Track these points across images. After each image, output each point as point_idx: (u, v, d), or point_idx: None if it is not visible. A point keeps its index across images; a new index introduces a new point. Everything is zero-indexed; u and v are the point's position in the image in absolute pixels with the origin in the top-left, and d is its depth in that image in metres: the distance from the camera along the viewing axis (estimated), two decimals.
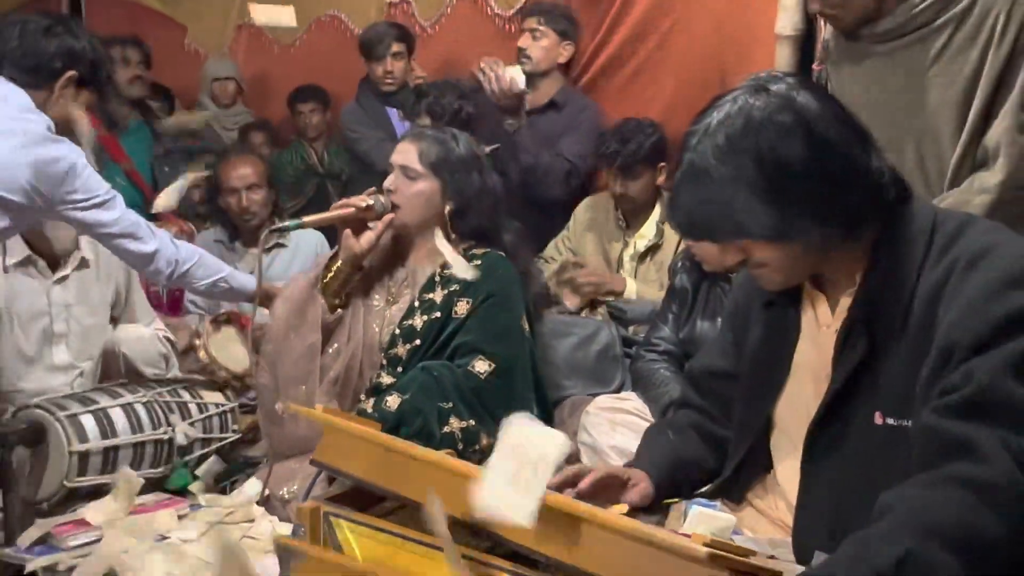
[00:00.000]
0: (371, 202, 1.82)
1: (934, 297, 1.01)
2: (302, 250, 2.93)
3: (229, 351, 2.21)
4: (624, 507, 1.24)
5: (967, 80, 1.86)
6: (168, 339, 2.33)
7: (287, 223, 1.91)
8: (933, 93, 1.91)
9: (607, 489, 1.24)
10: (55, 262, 2.20)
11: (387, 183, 1.85)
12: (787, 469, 1.21)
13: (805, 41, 2.45)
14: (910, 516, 0.85)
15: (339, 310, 1.87)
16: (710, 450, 1.36)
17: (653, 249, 2.69)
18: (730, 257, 1.13)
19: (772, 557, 1.13)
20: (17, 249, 2.15)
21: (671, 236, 2.63)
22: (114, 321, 2.34)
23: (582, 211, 2.94)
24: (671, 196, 1.19)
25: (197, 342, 2.25)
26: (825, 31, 2.25)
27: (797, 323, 1.21)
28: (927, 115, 1.91)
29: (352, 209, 1.82)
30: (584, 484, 1.18)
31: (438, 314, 1.79)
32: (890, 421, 1.04)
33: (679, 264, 2.16)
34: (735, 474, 1.29)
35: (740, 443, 1.28)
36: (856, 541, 0.86)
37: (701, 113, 1.10)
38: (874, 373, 1.07)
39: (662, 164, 2.71)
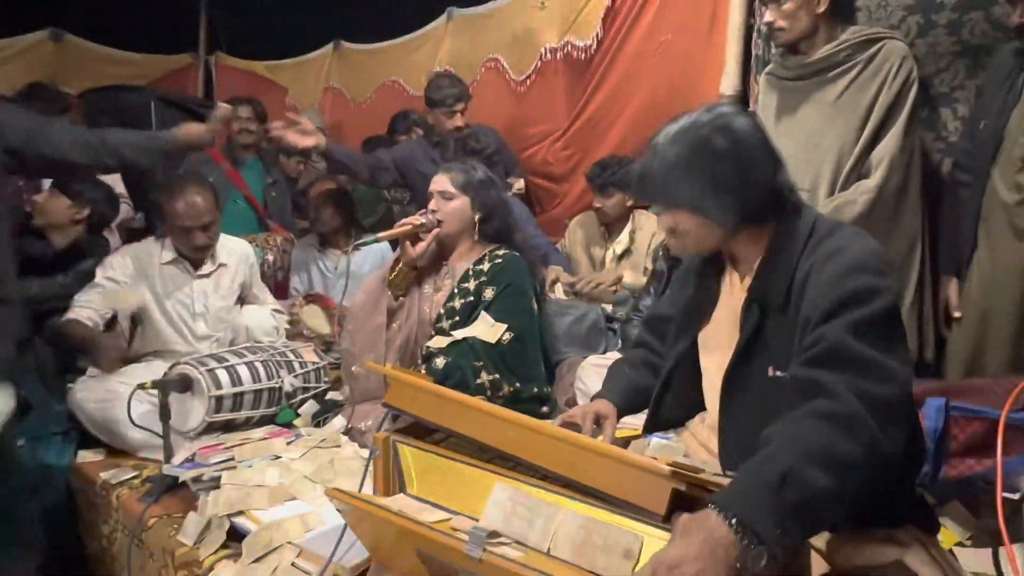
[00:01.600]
0: (423, 220, 1.81)
1: (804, 282, 1.02)
2: (373, 252, 2.88)
3: (312, 319, 2.43)
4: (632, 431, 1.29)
5: (864, 110, 1.87)
6: (278, 311, 2.37)
7: (366, 239, 1.93)
8: (839, 120, 1.91)
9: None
10: (195, 262, 2.21)
11: (431, 206, 1.84)
12: (712, 406, 1.21)
13: (742, 100, 2.41)
14: (787, 443, 0.85)
15: (401, 298, 1.87)
16: (656, 379, 1.34)
17: (626, 253, 2.68)
18: (665, 222, 1.14)
19: (716, 474, 1.13)
20: (167, 253, 2.17)
21: (640, 242, 2.63)
22: (241, 302, 2.34)
23: (574, 225, 2.94)
24: (636, 173, 1.17)
25: (293, 311, 2.45)
26: (756, 87, 2.24)
27: (718, 288, 1.22)
28: (832, 137, 1.91)
29: (410, 226, 1.81)
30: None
31: (471, 298, 1.78)
32: (779, 373, 1.04)
33: (659, 253, 2.19)
34: (660, 401, 1.28)
35: (663, 370, 1.28)
36: (749, 464, 0.86)
37: (668, 122, 1.12)
38: (767, 337, 1.07)
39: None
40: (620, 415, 1.29)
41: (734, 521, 0.76)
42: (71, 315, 2.02)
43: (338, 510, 1.08)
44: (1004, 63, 1.75)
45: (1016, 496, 1.11)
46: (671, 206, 1.11)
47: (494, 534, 0.90)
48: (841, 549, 0.99)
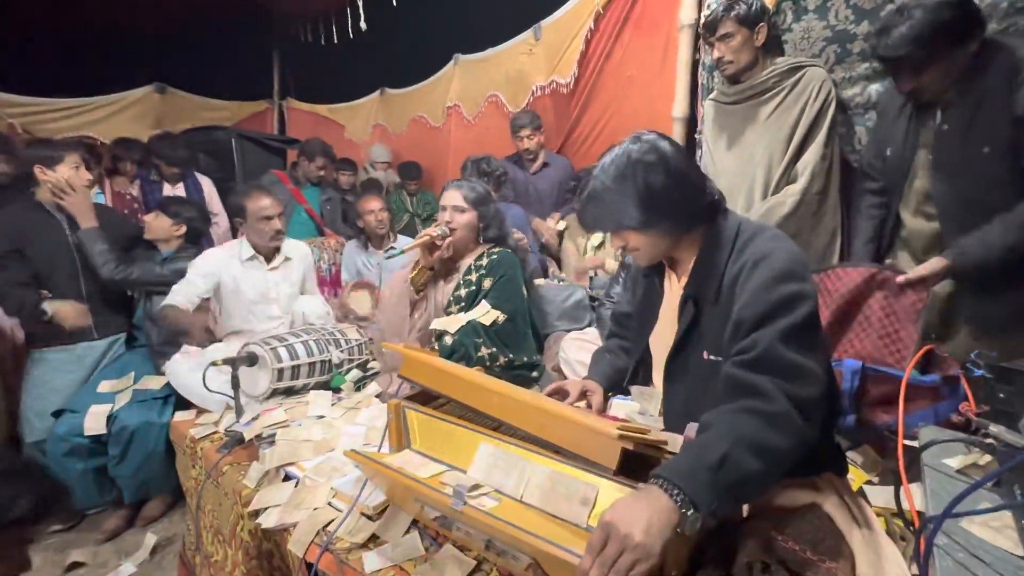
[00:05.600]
0: (438, 232, 1.73)
1: (733, 283, 0.92)
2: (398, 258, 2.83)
3: (359, 302, 2.34)
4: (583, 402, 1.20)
5: (790, 127, 1.76)
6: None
7: (394, 252, 1.83)
8: (769, 135, 1.80)
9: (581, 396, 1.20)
10: (268, 257, 2.17)
11: (445, 217, 1.75)
12: (658, 383, 1.14)
13: (691, 120, 2.30)
14: (725, 431, 0.76)
15: (422, 292, 1.81)
16: (629, 359, 1.28)
17: (601, 244, 2.59)
18: (617, 243, 1.04)
19: (663, 430, 1.06)
20: (246, 250, 2.13)
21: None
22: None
23: (567, 221, 2.85)
24: (581, 206, 1.04)
25: (344, 296, 2.38)
26: (702, 110, 2.12)
27: (662, 288, 1.13)
28: (764, 150, 1.80)
29: (428, 237, 1.73)
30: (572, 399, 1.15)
31: (474, 287, 1.72)
32: (712, 357, 0.96)
33: None
34: (633, 377, 1.22)
35: (633, 356, 1.21)
36: (692, 447, 0.77)
37: (601, 155, 1.00)
38: (701, 327, 0.98)
39: None
40: (607, 390, 1.23)
41: (676, 493, 0.70)
42: (168, 301, 2.01)
43: (356, 466, 1.04)
44: (896, 95, 1.53)
45: (915, 443, 1.03)
46: (618, 230, 1.00)
47: (475, 486, 0.85)
48: (766, 492, 0.92)
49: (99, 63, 3.89)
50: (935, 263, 1.35)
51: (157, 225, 2.26)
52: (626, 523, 0.66)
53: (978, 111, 1.31)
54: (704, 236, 0.99)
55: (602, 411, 1.16)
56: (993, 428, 0.83)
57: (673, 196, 0.94)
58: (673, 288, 1.09)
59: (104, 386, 1.91)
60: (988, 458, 0.83)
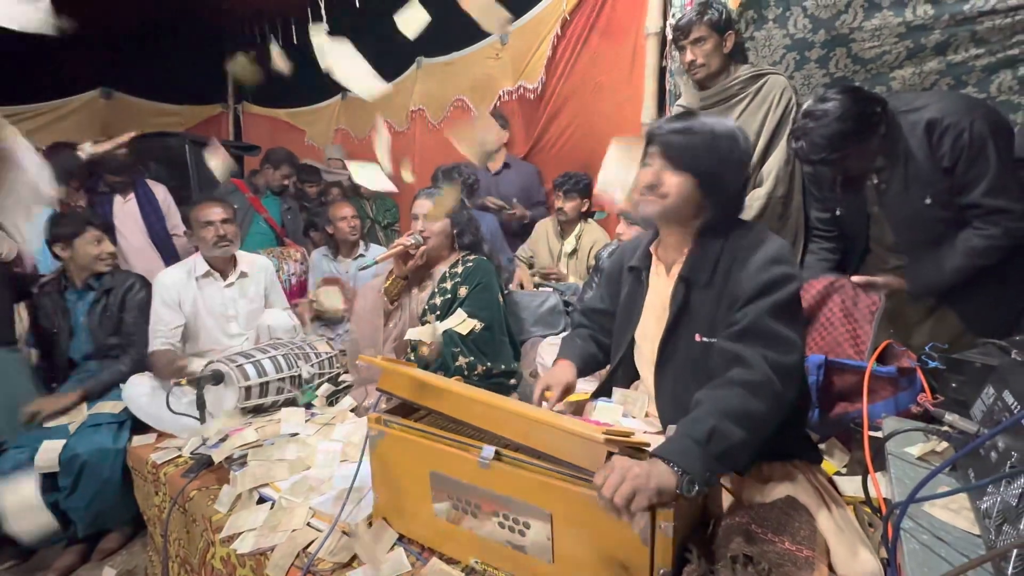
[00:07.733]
0: (411, 241, 1.74)
1: (729, 269, 1.01)
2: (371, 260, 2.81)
3: (329, 298, 2.37)
4: (583, 394, 1.24)
5: (754, 133, 1.85)
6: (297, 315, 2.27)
7: (368, 262, 1.82)
8: None
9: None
10: (223, 273, 2.12)
11: (418, 226, 1.76)
12: (647, 374, 1.18)
13: None
14: (711, 405, 0.86)
15: (396, 302, 1.80)
16: (599, 348, 1.34)
17: (574, 252, 2.64)
18: (645, 177, 1.07)
19: (646, 432, 1.10)
20: (200, 266, 2.08)
21: (584, 245, 2.59)
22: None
23: (539, 226, 2.87)
24: (671, 130, 1.06)
25: (311, 293, 2.36)
26: (670, 114, 2.20)
27: (647, 281, 1.18)
28: None
29: (401, 247, 1.73)
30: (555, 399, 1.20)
31: (449, 296, 1.72)
32: (704, 339, 1.03)
33: (602, 254, 2.13)
34: (612, 376, 1.26)
35: (615, 355, 1.25)
36: (681, 424, 0.86)
37: (700, 118, 1.07)
38: (692, 311, 1.05)
39: (587, 198, 2.62)
40: (579, 375, 1.28)
41: (673, 466, 0.79)
42: (152, 348, 1.94)
43: (371, 436, 1.06)
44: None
45: (879, 434, 1.09)
46: (682, 168, 1.04)
47: (498, 454, 0.91)
48: (745, 487, 0.97)
49: (40, 67, 3.70)
50: (891, 278, 1.50)
51: (81, 253, 2.05)
52: (631, 464, 0.78)
53: (907, 169, 1.44)
54: (700, 228, 1.08)
55: (573, 388, 1.23)
56: (948, 416, 0.90)
57: (736, 178, 1.06)
58: (661, 280, 1.15)
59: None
60: (945, 445, 0.90)
